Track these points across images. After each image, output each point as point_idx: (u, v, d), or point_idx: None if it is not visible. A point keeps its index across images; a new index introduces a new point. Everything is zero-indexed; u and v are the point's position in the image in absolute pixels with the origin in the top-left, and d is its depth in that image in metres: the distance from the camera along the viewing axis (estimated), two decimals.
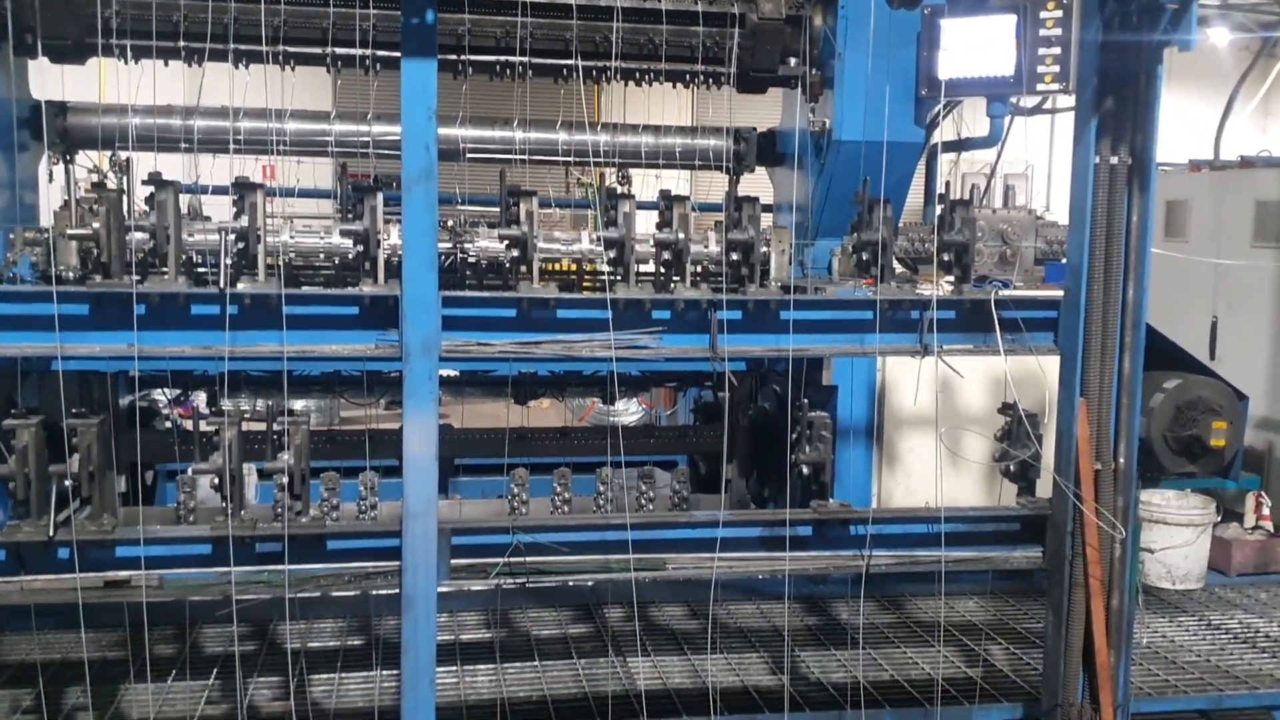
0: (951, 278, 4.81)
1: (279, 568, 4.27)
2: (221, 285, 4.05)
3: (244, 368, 6.00)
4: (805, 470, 4.73)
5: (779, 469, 7.35)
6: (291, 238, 5.45)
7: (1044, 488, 4.89)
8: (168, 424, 7.65)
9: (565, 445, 8.13)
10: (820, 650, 5.98)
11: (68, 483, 4.11)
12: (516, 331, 4.42)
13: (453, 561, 4.49)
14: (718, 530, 4.60)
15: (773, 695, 5.37)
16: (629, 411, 12.68)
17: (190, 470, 4.17)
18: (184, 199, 4.56)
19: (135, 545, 4.21)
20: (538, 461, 7.12)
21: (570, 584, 7.26)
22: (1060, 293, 4.70)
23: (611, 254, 4.46)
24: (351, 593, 6.90)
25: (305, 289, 4.30)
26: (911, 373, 6.95)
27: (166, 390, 7.42)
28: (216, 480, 4.24)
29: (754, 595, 6.85)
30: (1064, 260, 5.04)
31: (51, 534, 4.09)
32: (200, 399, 11.18)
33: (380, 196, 4.28)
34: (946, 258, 4.73)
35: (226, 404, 4.42)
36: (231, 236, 4.20)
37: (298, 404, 8.32)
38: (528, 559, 4.60)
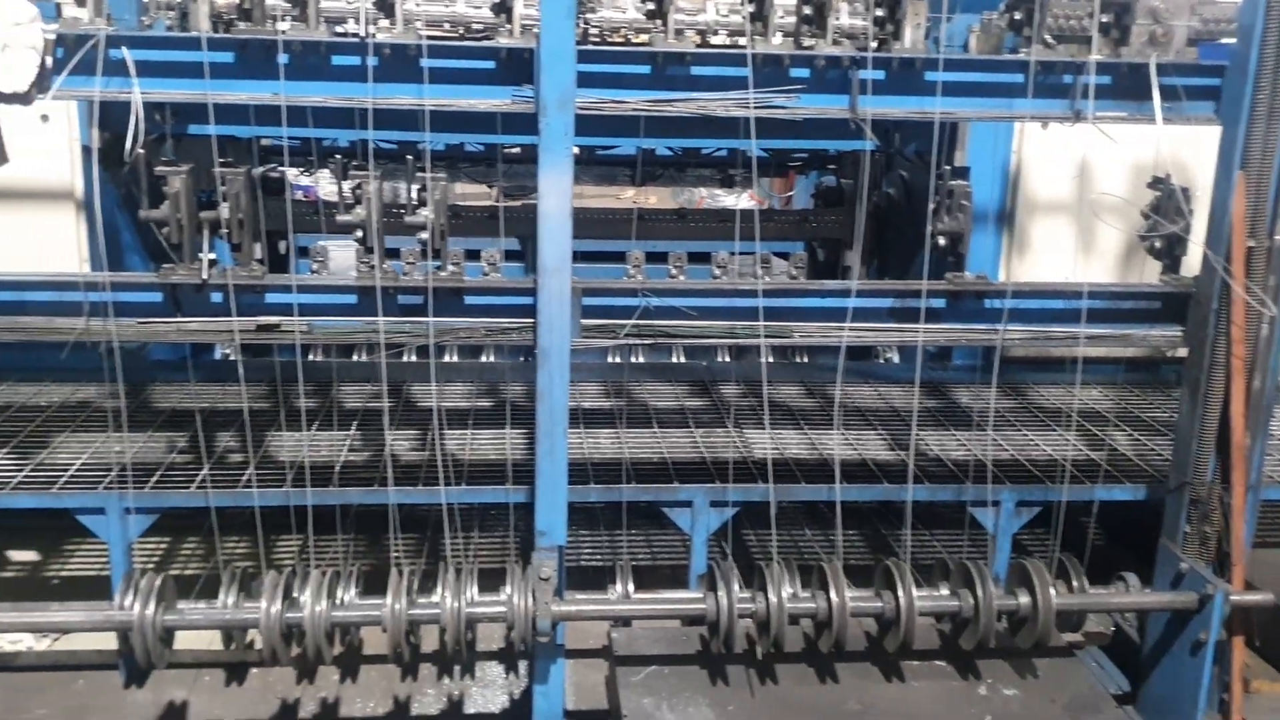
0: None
1: (422, 319, 4.40)
2: (362, 33, 4.03)
3: (377, 135, 6.02)
4: (942, 241, 4.63)
5: (903, 256, 7.29)
6: (418, 5, 5.37)
7: (1188, 268, 4.75)
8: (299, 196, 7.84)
9: (682, 229, 8.13)
10: (940, 430, 6.02)
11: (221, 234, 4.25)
12: (650, 89, 4.35)
13: (583, 321, 4.56)
14: (849, 300, 4.57)
15: (891, 469, 5.45)
16: (740, 206, 12.60)
17: (337, 219, 4.24)
18: None
19: (285, 292, 4.36)
20: (652, 249, 7.14)
21: (687, 361, 7.46)
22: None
23: (751, 8, 4.30)
24: (483, 359, 7.22)
25: (443, 42, 4.24)
26: (1047, 155, 6.72)
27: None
28: (360, 234, 4.34)
29: (872, 379, 6.89)
30: (1222, 41, 4.73)
31: (205, 277, 4.26)
32: (320, 180, 11.37)
33: None
34: (1106, 19, 4.45)
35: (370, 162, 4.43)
36: None
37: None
38: (655, 322, 4.65)
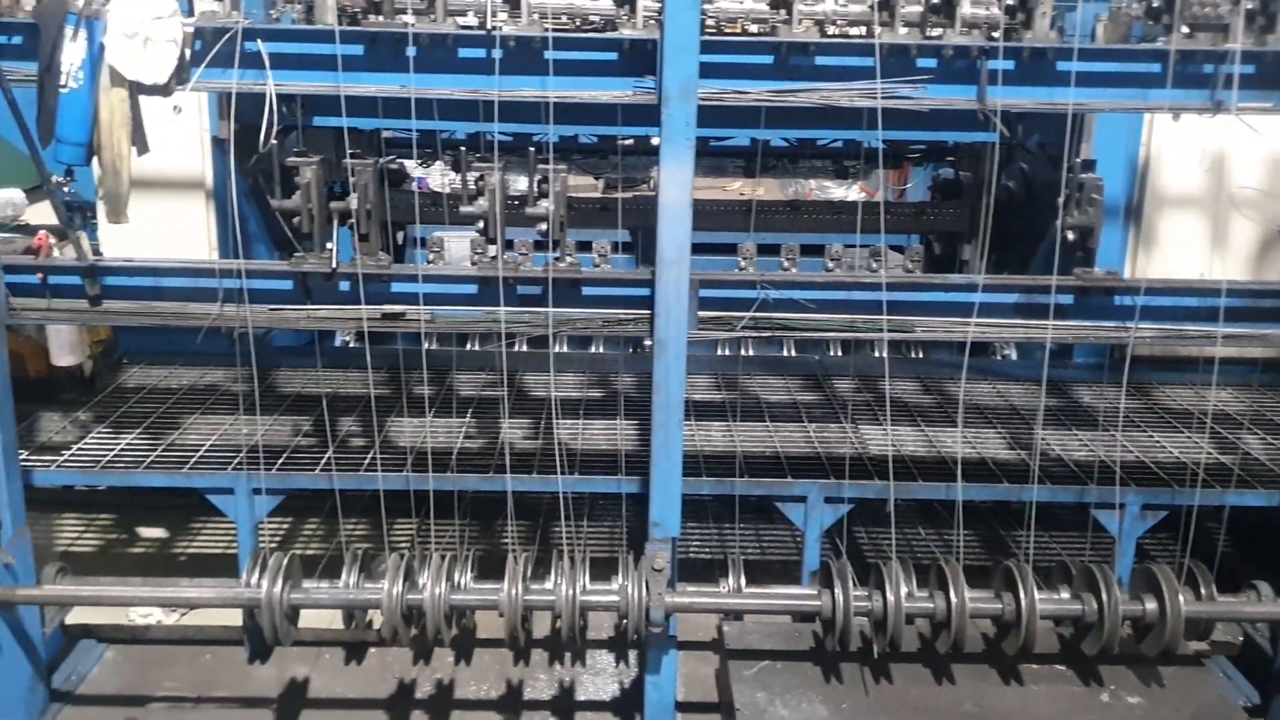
0: None
1: (540, 309, 4.44)
2: (488, 25, 4.08)
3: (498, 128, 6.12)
4: (1070, 235, 4.50)
5: (1022, 250, 7.11)
6: None
7: None
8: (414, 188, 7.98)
9: (795, 220, 8.07)
10: (1061, 430, 5.87)
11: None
12: (772, 80, 4.31)
13: (700, 313, 4.55)
14: (974, 295, 4.48)
15: (1011, 468, 5.33)
16: (849, 199, 12.44)
17: (460, 210, 4.30)
18: None
19: (410, 282, 4.44)
20: (763, 241, 7.09)
21: (799, 355, 7.40)
22: None
23: None
24: (592, 350, 7.27)
25: (567, 34, 4.26)
26: (1178, 148, 6.49)
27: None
28: (482, 225, 4.39)
29: (990, 375, 6.75)
30: None
31: (334, 266, 4.36)
32: (433, 173, 11.54)
33: None
34: (1250, 5, 4.27)
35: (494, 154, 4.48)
36: None
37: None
38: (773, 315, 4.62)
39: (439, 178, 11.63)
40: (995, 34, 4.25)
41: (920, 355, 7.42)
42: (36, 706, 4.74)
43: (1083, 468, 5.29)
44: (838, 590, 4.35)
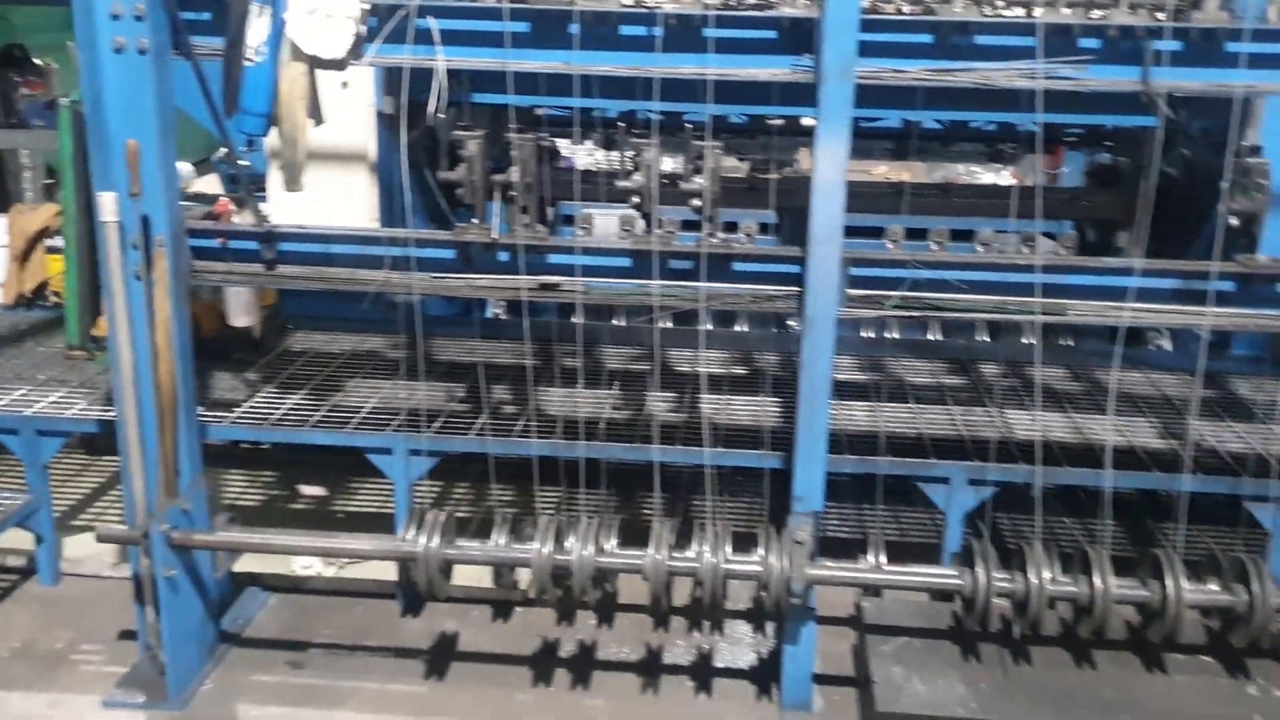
0: None
1: (692, 284, 4.54)
2: (650, 3, 4.18)
3: (651, 106, 6.22)
4: (1234, 221, 4.39)
5: (1179, 238, 6.91)
6: None
7: None
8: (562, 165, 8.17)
9: (944, 204, 7.97)
10: (1216, 422, 5.71)
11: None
12: (930, 59, 4.31)
13: (849, 291, 4.58)
14: (1130, 279, 4.41)
15: (1162, 458, 5.22)
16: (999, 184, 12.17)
17: (617, 184, 4.43)
18: None
19: (565, 253, 4.59)
20: (911, 224, 7.03)
21: (944, 340, 7.34)
22: None
23: None
24: (735, 329, 7.35)
25: (726, 12, 4.33)
26: None
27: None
28: (637, 199, 4.51)
29: (1142, 365, 6.60)
30: None
31: (494, 236, 4.54)
32: (579, 151, 11.72)
33: None
34: None
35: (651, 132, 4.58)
36: None
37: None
38: (923, 295, 4.62)
39: (585, 156, 11.81)
40: (1160, 15, 4.17)
41: (1071, 343, 7.27)
42: (207, 644, 5.06)
43: (1238, 460, 5.14)
44: (980, 570, 4.35)
